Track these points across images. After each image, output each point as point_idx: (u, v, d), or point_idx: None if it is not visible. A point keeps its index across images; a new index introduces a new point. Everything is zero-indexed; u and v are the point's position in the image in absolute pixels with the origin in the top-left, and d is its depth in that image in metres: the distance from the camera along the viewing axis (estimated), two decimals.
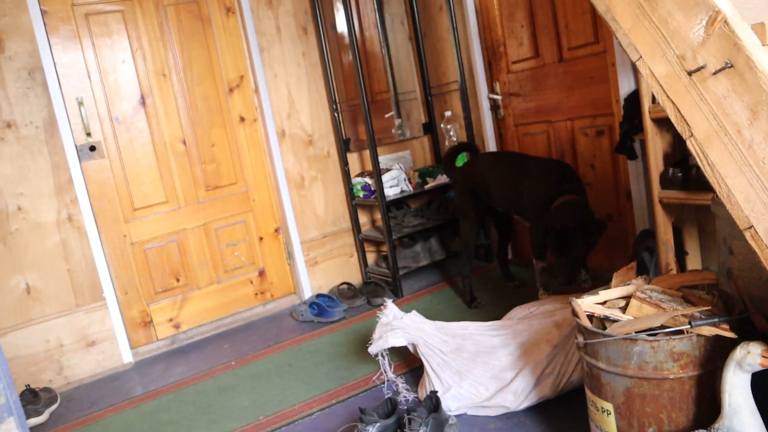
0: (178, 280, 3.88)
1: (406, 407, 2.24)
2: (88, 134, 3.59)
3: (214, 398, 3.00)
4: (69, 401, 3.31)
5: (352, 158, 4.30)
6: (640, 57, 1.51)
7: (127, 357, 3.66)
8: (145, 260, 3.78)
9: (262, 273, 4.14)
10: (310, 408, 2.69)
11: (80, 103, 3.56)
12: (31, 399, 3.08)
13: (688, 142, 1.45)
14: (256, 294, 4.12)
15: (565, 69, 3.48)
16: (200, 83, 3.89)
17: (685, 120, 1.44)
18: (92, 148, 3.61)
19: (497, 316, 2.84)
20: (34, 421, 3.02)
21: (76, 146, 3.52)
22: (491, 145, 4.07)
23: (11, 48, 3.31)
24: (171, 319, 3.86)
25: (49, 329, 3.45)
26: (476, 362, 2.40)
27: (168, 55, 3.79)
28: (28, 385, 3.21)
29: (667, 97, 1.47)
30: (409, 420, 2.14)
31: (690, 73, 1.40)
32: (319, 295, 3.92)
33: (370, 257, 4.35)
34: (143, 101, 3.75)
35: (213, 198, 3.97)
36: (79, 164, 3.53)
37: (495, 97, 3.98)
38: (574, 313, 1.83)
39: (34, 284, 3.42)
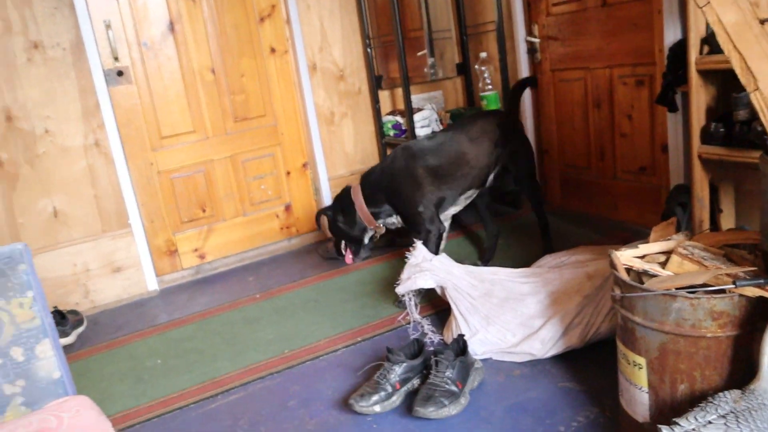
0: (204, 211, 3.88)
1: (432, 349, 2.24)
2: (116, 58, 3.54)
3: (239, 330, 3.04)
4: (95, 324, 3.37)
5: (383, 96, 4.22)
6: (708, 2, 1.43)
7: (152, 284, 3.70)
8: (171, 189, 3.78)
9: (288, 208, 4.13)
10: (336, 344, 2.71)
11: (108, 26, 3.49)
12: (59, 320, 3.13)
13: (752, 96, 1.39)
14: (282, 228, 4.13)
15: (608, 14, 3.36)
16: (230, 11, 3.79)
17: (751, 72, 1.38)
18: (120, 73, 3.56)
19: (527, 263, 2.82)
20: (62, 341, 3.06)
21: (103, 70, 3.48)
22: (526, 91, 3.96)
23: None
24: (196, 249, 3.88)
25: (76, 253, 3.48)
26: (504, 308, 2.40)
27: None
28: (56, 306, 3.27)
29: (734, 46, 1.40)
30: (436, 362, 2.15)
31: (763, 22, 1.33)
32: None
33: None
34: (172, 27, 3.67)
35: (241, 130, 3.93)
36: (107, 89, 3.49)
37: (533, 40, 3.86)
38: (613, 266, 1.80)
39: (61, 208, 3.43)
